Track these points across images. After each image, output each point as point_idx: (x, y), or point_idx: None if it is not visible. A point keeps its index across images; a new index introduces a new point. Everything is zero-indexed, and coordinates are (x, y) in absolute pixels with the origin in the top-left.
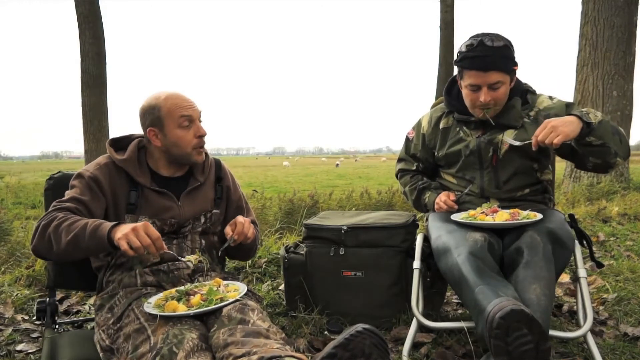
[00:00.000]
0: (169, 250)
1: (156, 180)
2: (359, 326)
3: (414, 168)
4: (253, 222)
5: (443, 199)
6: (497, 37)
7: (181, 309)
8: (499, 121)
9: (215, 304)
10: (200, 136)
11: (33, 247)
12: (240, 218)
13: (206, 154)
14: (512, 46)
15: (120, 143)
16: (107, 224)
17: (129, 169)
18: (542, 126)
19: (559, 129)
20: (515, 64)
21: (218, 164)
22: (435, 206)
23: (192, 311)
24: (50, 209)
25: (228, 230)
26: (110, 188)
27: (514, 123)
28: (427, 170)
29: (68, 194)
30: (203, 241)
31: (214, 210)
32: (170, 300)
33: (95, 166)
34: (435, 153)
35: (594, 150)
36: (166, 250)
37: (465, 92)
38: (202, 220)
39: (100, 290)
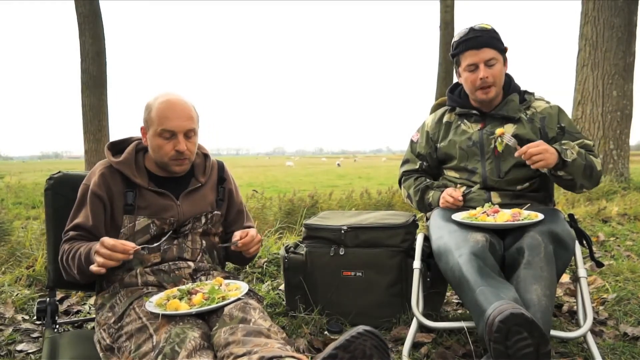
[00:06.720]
0: (142, 247)
1: (154, 180)
2: (360, 328)
3: (418, 167)
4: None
5: (449, 191)
6: (484, 24)
7: (183, 308)
8: (498, 113)
9: (217, 303)
10: (178, 151)
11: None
12: (252, 231)
13: (207, 155)
14: (498, 33)
15: (119, 146)
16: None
17: (125, 170)
18: (535, 145)
19: (545, 156)
20: (505, 47)
21: (221, 166)
22: (441, 200)
23: (194, 310)
24: (61, 242)
25: (237, 234)
26: (107, 196)
27: (512, 115)
28: (431, 169)
29: (72, 217)
30: (204, 242)
31: (215, 212)
32: (171, 300)
33: (95, 181)
34: (438, 145)
35: (562, 182)
36: (136, 248)
37: (465, 77)
38: (203, 220)
39: (100, 290)
